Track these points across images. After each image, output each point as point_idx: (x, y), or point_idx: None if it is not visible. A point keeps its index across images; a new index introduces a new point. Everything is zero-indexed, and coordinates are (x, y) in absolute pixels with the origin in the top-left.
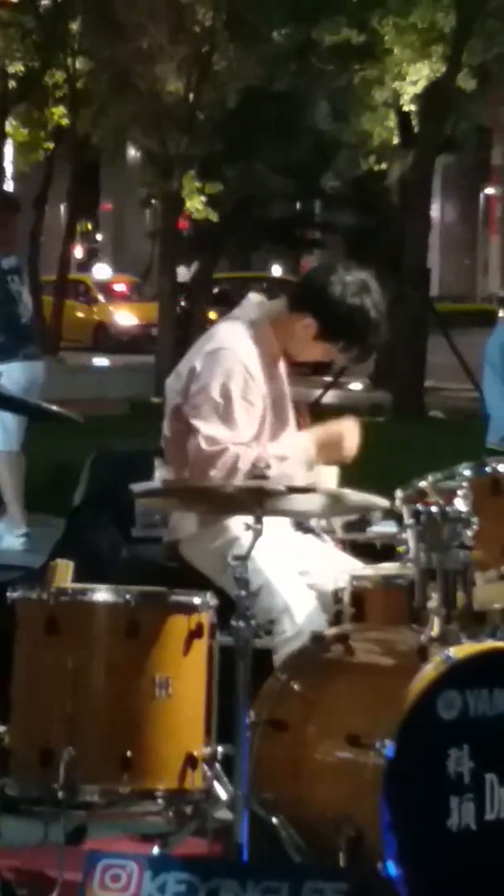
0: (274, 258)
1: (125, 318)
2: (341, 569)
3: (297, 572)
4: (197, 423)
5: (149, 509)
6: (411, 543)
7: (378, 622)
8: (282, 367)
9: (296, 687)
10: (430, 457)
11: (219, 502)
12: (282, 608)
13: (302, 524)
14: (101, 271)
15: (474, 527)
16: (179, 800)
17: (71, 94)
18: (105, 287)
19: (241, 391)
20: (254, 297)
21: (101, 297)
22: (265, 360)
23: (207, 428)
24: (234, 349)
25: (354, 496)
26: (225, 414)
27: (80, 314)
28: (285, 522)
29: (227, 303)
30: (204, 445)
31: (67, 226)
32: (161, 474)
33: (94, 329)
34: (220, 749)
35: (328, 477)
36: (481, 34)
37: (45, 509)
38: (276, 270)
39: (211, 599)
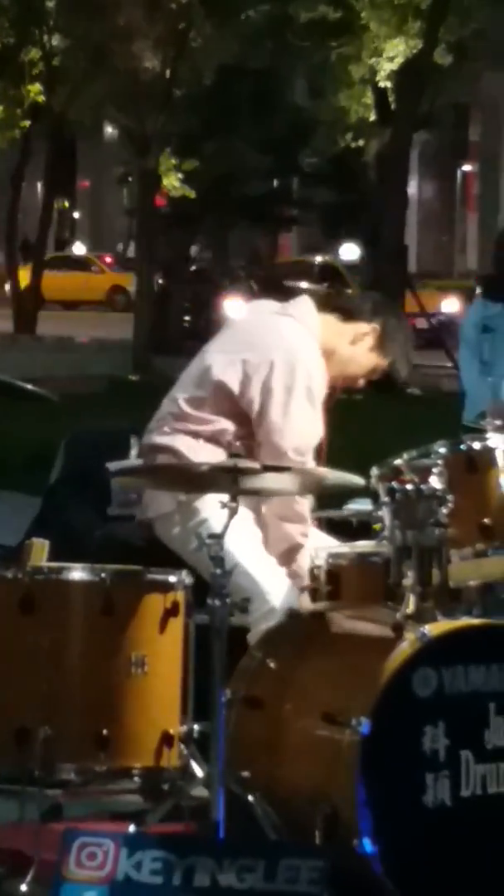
0: (251, 236)
1: None
2: (317, 546)
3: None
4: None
5: (125, 488)
6: (387, 521)
7: (354, 600)
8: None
9: (272, 665)
10: (407, 434)
11: (194, 481)
12: (254, 587)
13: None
14: (79, 249)
15: (449, 504)
16: (155, 778)
17: (47, 72)
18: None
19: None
20: (308, 302)
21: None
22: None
23: (293, 437)
24: (307, 359)
25: (330, 474)
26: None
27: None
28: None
29: (204, 280)
30: (292, 455)
31: (44, 203)
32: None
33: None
34: (196, 727)
35: None
36: (458, 10)
37: (21, 488)
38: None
39: (186, 578)
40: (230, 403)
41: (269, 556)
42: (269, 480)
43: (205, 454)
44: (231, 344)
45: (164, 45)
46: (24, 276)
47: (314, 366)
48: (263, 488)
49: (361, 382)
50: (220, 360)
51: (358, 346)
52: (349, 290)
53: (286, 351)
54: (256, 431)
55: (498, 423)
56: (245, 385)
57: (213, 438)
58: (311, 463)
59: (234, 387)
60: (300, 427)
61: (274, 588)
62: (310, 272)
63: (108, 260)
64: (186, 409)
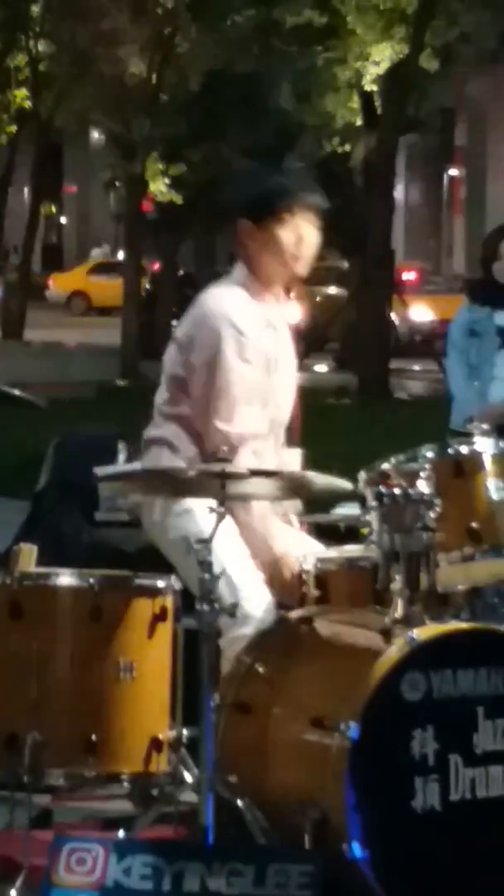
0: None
1: None
2: (304, 551)
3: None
4: (205, 402)
5: (112, 493)
6: (375, 526)
7: (342, 604)
8: (280, 323)
9: (260, 670)
10: (394, 439)
11: (181, 485)
12: (233, 593)
13: None
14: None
15: (437, 509)
16: (145, 783)
17: (33, 77)
18: None
19: (236, 353)
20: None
21: None
22: (259, 318)
23: (217, 418)
24: (220, 311)
25: (318, 479)
26: (223, 393)
27: None
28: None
29: (193, 286)
30: (222, 426)
31: (31, 208)
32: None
33: None
34: (185, 732)
35: (291, 459)
36: (444, 14)
37: (9, 493)
38: None
39: (175, 583)
40: (183, 390)
41: (248, 562)
42: (259, 485)
43: (191, 443)
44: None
45: (150, 50)
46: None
47: (236, 317)
48: (252, 493)
49: (300, 266)
50: (168, 351)
51: (272, 234)
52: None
53: (202, 319)
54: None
55: (485, 427)
56: (182, 367)
57: (192, 429)
58: (260, 429)
59: (180, 372)
60: (232, 395)
61: (252, 595)
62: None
63: (155, 267)
64: (162, 406)
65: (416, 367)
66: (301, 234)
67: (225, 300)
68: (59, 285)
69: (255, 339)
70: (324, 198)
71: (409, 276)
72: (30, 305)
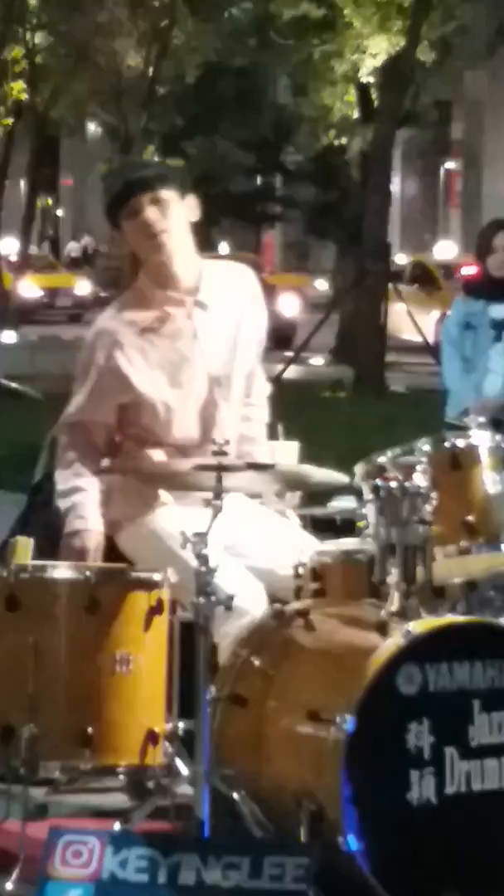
0: (235, 233)
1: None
2: (299, 545)
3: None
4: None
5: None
6: (371, 519)
7: (338, 597)
8: (178, 320)
9: (256, 663)
10: (390, 431)
11: (176, 479)
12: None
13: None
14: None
15: (433, 502)
16: (140, 776)
17: (30, 69)
18: None
19: (103, 356)
20: None
21: None
22: (149, 321)
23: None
24: (94, 328)
25: (314, 472)
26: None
27: None
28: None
29: None
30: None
31: (28, 201)
32: None
33: None
34: (181, 725)
35: (287, 453)
36: (440, 7)
37: (6, 486)
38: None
39: (171, 576)
40: None
41: (236, 560)
42: (255, 479)
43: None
44: None
45: (146, 42)
46: (7, 276)
47: (106, 336)
48: (248, 487)
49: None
50: None
51: (124, 232)
52: (441, 291)
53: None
54: None
55: (481, 420)
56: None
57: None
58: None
59: None
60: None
61: (241, 590)
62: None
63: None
64: None
65: (412, 360)
66: (142, 215)
67: (96, 326)
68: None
69: (136, 346)
70: (162, 170)
71: (468, 270)
72: None
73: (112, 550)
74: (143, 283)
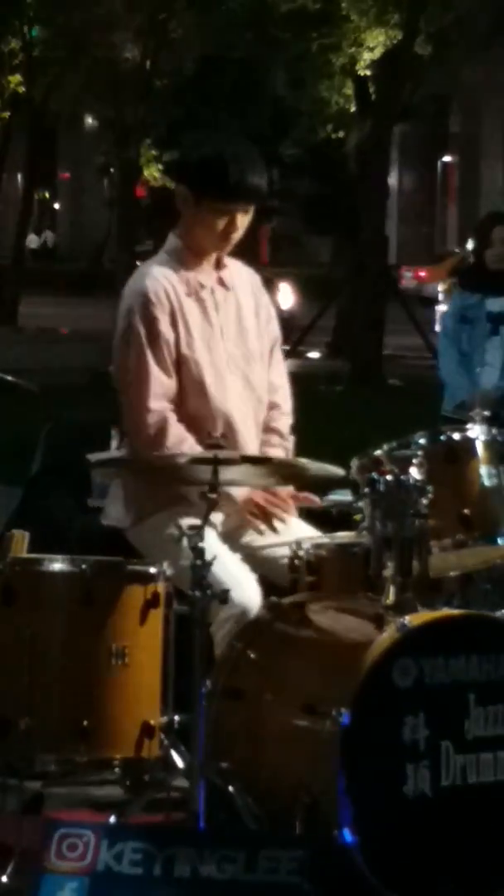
0: None
1: None
2: (298, 537)
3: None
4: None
5: (105, 479)
6: (367, 512)
7: (334, 590)
8: (213, 289)
9: (252, 656)
10: (388, 425)
11: (172, 472)
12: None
13: None
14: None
15: (429, 495)
16: (136, 769)
17: (27, 62)
18: None
19: (147, 324)
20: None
21: None
22: (190, 285)
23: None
24: (133, 287)
25: (310, 465)
26: (138, 370)
27: None
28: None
29: None
30: (147, 418)
31: (24, 194)
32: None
33: None
34: (176, 718)
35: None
36: (438, 0)
37: (1, 479)
38: None
39: (167, 569)
40: None
41: (232, 554)
42: (250, 472)
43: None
44: None
45: (144, 35)
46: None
47: (151, 291)
48: (244, 480)
49: (226, 246)
50: None
51: (205, 214)
52: None
53: (125, 298)
54: None
55: (477, 413)
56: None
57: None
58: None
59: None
60: (141, 379)
61: (237, 584)
62: None
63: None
64: None
65: (409, 353)
66: (234, 221)
67: (144, 277)
68: None
69: (181, 307)
70: (264, 183)
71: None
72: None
73: (122, 546)
74: (182, 248)
